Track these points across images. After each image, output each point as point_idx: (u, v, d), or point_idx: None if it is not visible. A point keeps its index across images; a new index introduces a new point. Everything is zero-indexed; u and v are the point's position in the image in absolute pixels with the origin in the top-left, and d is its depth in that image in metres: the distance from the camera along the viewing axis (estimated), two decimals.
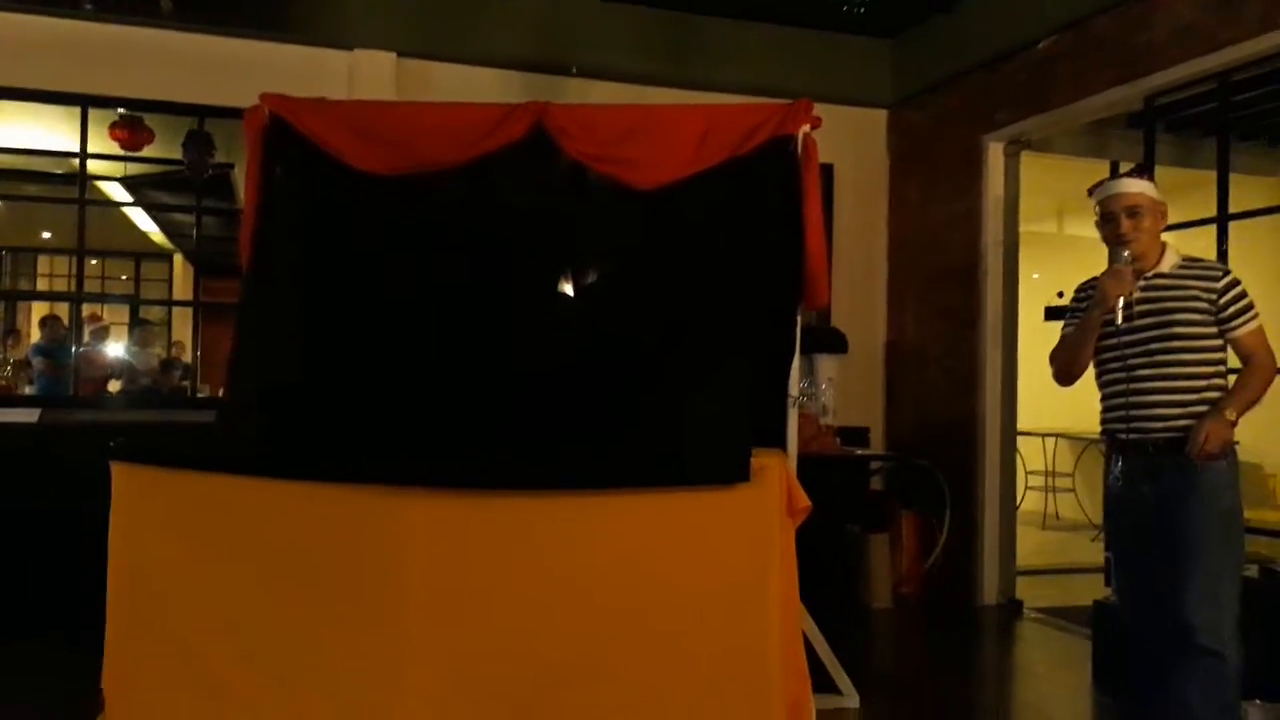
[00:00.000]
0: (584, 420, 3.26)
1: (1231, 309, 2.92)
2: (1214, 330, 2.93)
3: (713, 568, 2.67)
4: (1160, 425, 2.92)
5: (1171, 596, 2.81)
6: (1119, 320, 2.98)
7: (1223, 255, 4.50)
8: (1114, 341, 3.01)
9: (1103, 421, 3.11)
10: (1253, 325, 2.93)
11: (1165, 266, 3.00)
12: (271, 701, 2.72)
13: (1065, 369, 3.15)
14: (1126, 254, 2.98)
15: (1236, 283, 2.94)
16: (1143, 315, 2.96)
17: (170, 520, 2.81)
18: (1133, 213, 2.99)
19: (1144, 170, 3.09)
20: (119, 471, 2.81)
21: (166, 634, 2.80)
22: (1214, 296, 2.91)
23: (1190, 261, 3.02)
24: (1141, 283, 2.99)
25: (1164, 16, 4.60)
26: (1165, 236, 3.10)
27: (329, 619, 2.70)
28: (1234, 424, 2.86)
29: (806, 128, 3.57)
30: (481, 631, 2.66)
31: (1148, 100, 4.89)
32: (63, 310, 9.51)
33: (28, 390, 7.56)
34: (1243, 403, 2.89)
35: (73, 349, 6.73)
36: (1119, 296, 2.96)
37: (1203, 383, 2.91)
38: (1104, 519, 3.37)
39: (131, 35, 5.26)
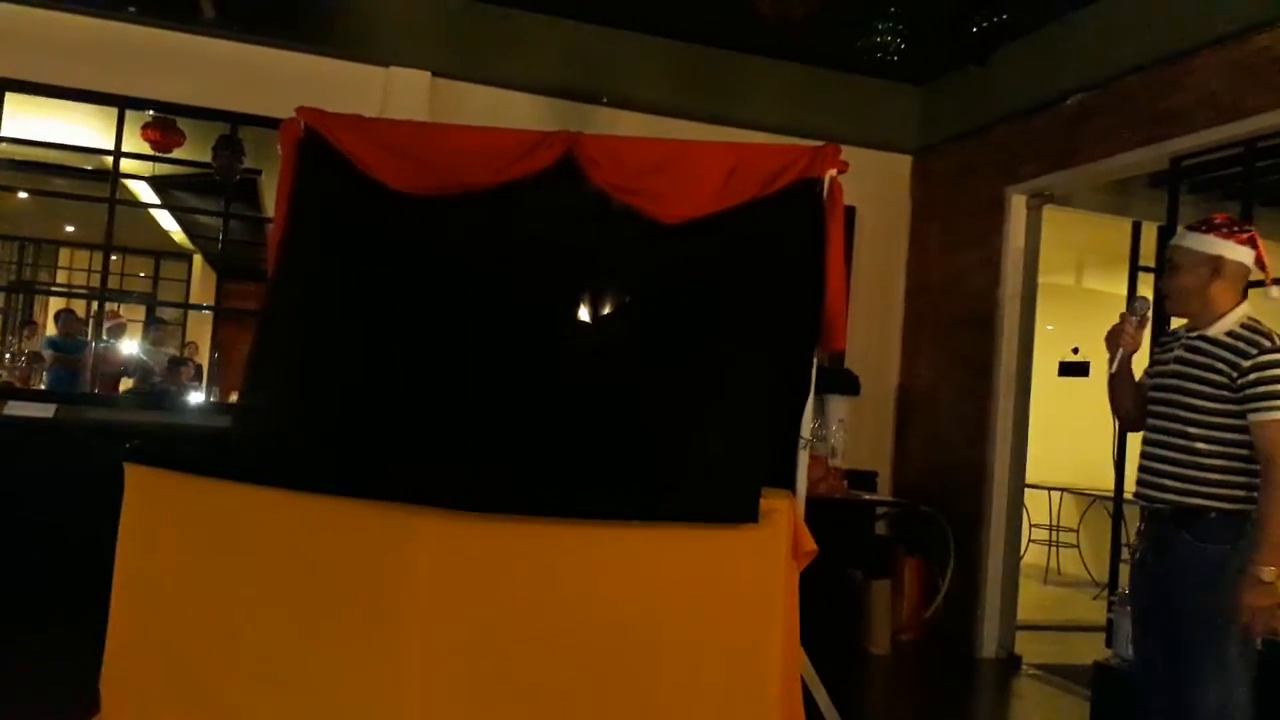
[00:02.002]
0: (596, 450, 3.26)
1: (1248, 392, 2.61)
2: (1233, 409, 2.65)
3: (716, 607, 2.66)
4: (1163, 495, 2.76)
5: (1177, 674, 2.70)
6: (1112, 369, 2.95)
7: None
8: (1152, 396, 2.89)
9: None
10: (1267, 416, 2.57)
11: (1214, 330, 2.75)
12: (266, 714, 2.72)
13: (1115, 415, 3.09)
14: (1138, 305, 2.96)
15: (1268, 365, 2.59)
16: (1175, 376, 2.80)
17: (180, 525, 2.82)
18: (1171, 265, 2.88)
19: (1208, 224, 2.81)
20: (133, 473, 2.83)
21: (167, 638, 2.80)
22: (1234, 375, 2.64)
23: (1247, 330, 2.69)
24: (1184, 341, 2.82)
25: (1193, 81, 4.63)
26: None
27: (330, 635, 2.69)
28: (1272, 585, 2.49)
29: (833, 172, 3.58)
30: (483, 656, 2.65)
31: (1173, 161, 4.89)
32: (79, 305, 9.59)
33: (41, 385, 7.59)
34: (1273, 544, 2.51)
35: (92, 345, 6.74)
36: (1116, 349, 2.93)
37: (1208, 460, 2.68)
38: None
39: (171, 40, 5.35)
